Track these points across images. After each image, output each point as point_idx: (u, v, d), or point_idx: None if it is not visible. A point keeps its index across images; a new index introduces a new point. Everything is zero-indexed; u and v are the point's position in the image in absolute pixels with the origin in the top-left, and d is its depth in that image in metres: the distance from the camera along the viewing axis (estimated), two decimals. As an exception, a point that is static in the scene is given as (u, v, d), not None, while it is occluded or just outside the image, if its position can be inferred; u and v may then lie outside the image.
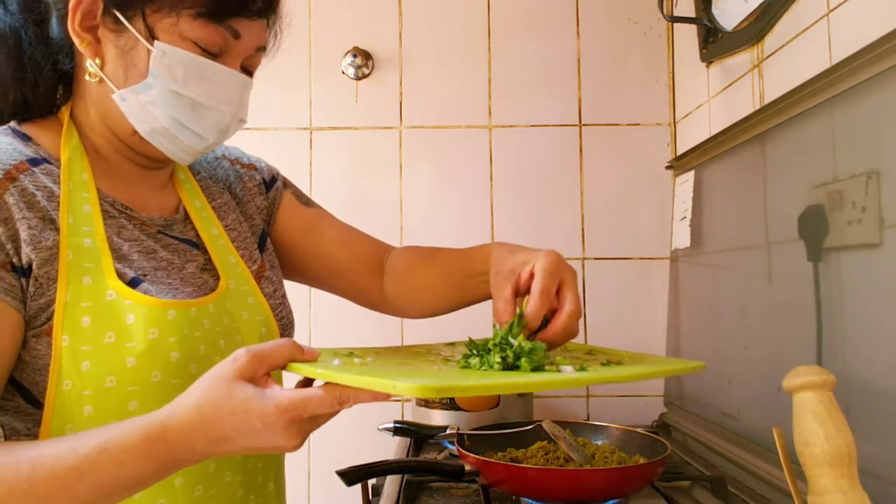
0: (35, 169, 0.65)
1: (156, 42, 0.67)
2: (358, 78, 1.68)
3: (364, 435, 1.62)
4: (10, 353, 0.62)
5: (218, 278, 0.76)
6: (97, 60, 0.69)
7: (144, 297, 0.65)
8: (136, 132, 0.71)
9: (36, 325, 0.63)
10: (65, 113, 0.72)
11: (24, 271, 0.61)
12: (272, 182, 0.92)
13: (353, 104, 1.69)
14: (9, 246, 0.61)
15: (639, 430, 1.14)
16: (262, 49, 0.74)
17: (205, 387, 0.57)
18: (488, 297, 0.85)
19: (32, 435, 0.64)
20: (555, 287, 0.71)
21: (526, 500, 0.97)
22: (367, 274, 0.96)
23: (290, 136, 1.68)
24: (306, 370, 0.60)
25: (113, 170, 0.74)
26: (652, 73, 1.68)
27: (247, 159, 0.93)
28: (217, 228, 0.80)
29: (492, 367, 0.67)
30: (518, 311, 0.74)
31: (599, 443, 1.14)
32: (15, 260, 0.61)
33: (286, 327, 0.83)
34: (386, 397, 0.56)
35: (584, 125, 1.68)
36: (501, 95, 1.69)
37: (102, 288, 0.64)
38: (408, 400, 1.62)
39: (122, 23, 0.67)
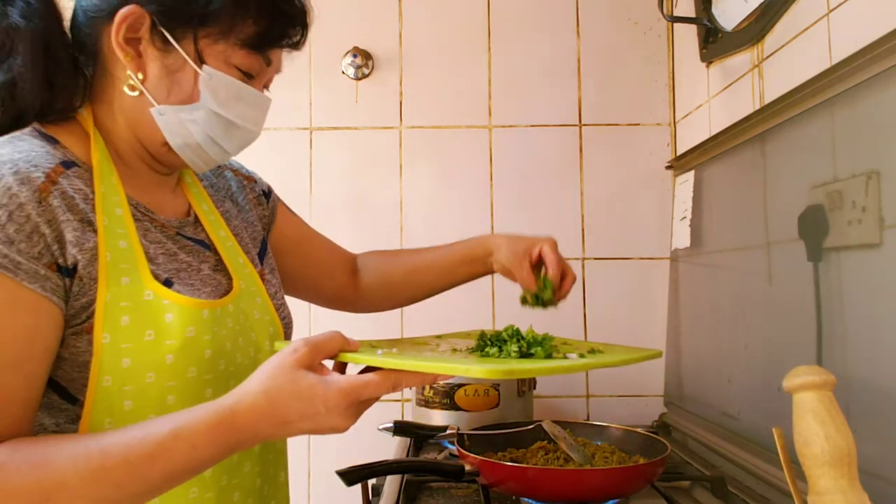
0: (68, 172, 0.66)
1: (204, 66, 0.71)
2: (358, 78, 1.68)
3: (364, 435, 1.62)
4: (54, 348, 0.64)
5: (229, 278, 0.79)
6: (139, 74, 0.71)
7: (181, 297, 0.68)
8: (166, 144, 0.73)
9: (76, 322, 0.64)
10: (87, 117, 0.73)
11: (68, 271, 0.63)
12: (269, 193, 0.99)
13: (353, 104, 1.69)
14: (55, 247, 0.62)
15: (639, 430, 1.14)
16: (278, 71, 0.81)
17: (270, 375, 0.62)
18: (477, 277, 1.07)
19: (61, 430, 0.66)
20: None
21: (526, 500, 0.97)
22: (346, 275, 1.07)
23: (290, 136, 1.68)
24: (357, 358, 0.67)
25: (134, 174, 0.76)
26: (652, 73, 1.68)
27: (246, 171, 0.97)
28: (224, 231, 0.83)
29: (510, 355, 0.75)
30: (542, 276, 1.03)
31: (599, 443, 1.14)
32: (60, 261, 0.63)
33: (288, 326, 0.86)
34: (433, 380, 0.65)
35: (584, 125, 1.68)
36: (501, 95, 1.69)
37: (140, 288, 0.67)
38: (408, 400, 1.62)
39: (170, 43, 0.70)
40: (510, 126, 1.68)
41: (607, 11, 1.69)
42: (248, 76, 0.74)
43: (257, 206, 0.94)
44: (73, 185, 0.66)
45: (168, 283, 0.69)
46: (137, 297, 0.66)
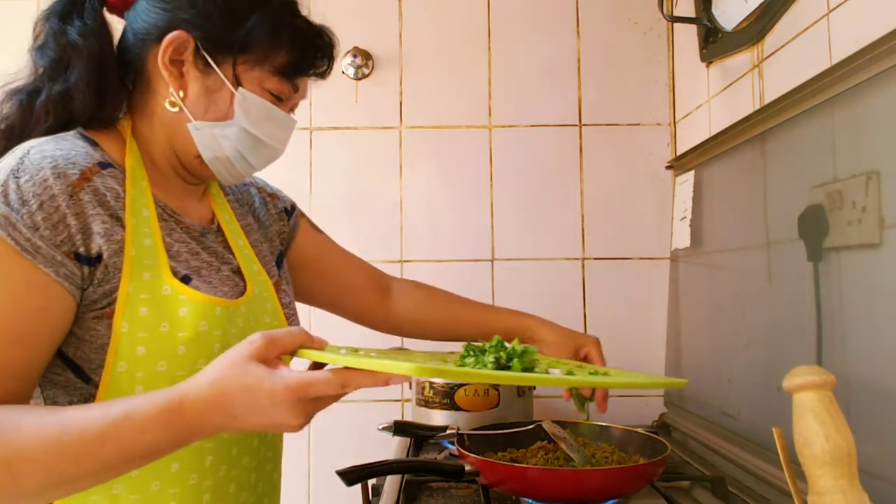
0: (104, 172, 0.72)
1: (240, 88, 0.78)
2: (358, 78, 1.68)
3: (364, 435, 1.63)
4: (61, 332, 0.69)
5: (244, 282, 0.84)
6: (181, 92, 0.78)
7: (196, 294, 0.73)
8: (199, 156, 0.80)
9: (98, 307, 0.69)
10: (126, 126, 0.80)
11: (90, 260, 0.68)
12: (292, 210, 1.03)
13: (353, 104, 1.69)
14: (78, 237, 0.68)
15: (639, 430, 1.14)
16: (304, 98, 0.87)
17: (221, 365, 0.63)
18: None
19: None
20: None
21: (526, 500, 0.97)
22: (373, 294, 1.11)
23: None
24: (315, 355, 0.66)
25: (165, 180, 0.82)
26: (652, 73, 1.68)
27: (270, 189, 1.03)
28: (243, 240, 0.89)
29: (485, 366, 0.74)
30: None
31: (599, 443, 1.14)
32: (82, 250, 0.68)
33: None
34: (385, 382, 0.62)
35: (584, 125, 1.68)
36: (501, 95, 1.69)
37: (159, 284, 0.72)
38: (408, 400, 1.62)
39: (210, 66, 0.77)
40: (510, 126, 1.68)
41: (607, 11, 1.69)
42: (278, 99, 0.81)
43: (278, 221, 1.00)
44: (105, 184, 0.71)
45: (186, 280, 0.74)
46: (156, 291, 0.71)
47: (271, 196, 1.02)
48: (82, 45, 0.76)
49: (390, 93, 1.69)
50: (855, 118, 0.92)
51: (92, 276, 0.69)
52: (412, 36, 1.70)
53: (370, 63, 1.68)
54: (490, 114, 1.69)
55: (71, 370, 0.71)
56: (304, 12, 0.85)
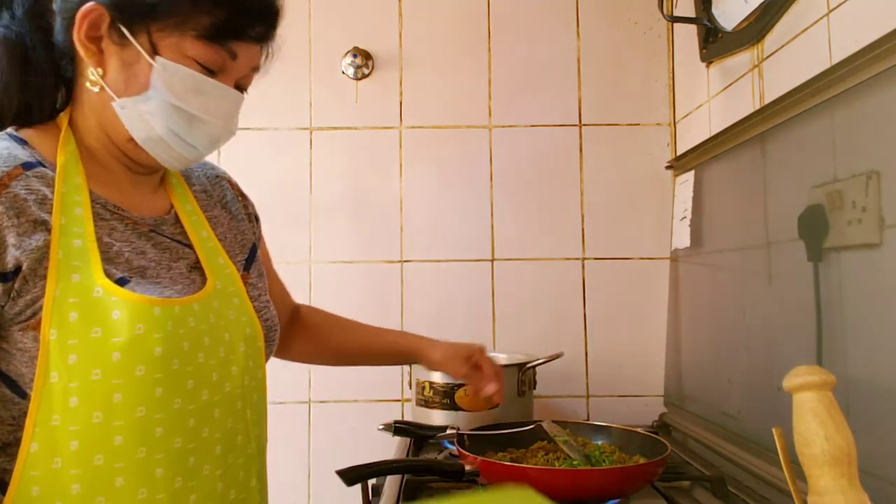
0: (28, 173, 0.68)
1: (157, 57, 0.71)
2: (358, 78, 1.68)
3: (364, 435, 1.63)
4: None
5: (204, 278, 0.79)
6: (99, 70, 0.73)
7: (130, 294, 0.68)
8: (132, 139, 0.74)
9: (22, 319, 0.65)
10: (63, 119, 0.76)
11: (5, 276, 0.64)
12: (258, 220, 0.98)
13: (353, 104, 1.69)
14: None
15: (639, 430, 1.14)
16: (255, 70, 0.79)
17: None
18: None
19: (17, 424, 0.66)
20: None
21: (526, 500, 0.97)
22: (284, 318, 1.05)
23: (290, 136, 1.68)
24: None
25: (107, 173, 0.77)
26: (652, 73, 1.68)
27: (240, 189, 0.98)
28: (207, 232, 0.84)
29: None
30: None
31: (599, 443, 1.14)
32: None
33: (270, 329, 0.85)
34: None
35: (584, 125, 1.68)
36: (501, 95, 1.69)
37: (90, 285, 0.66)
38: (408, 400, 1.62)
39: (126, 37, 0.71)
40: (510, 126, 1.68)
41: (607, 11, 1.69)
42: (209, 70, 0.74)
43: (247, 220, 0.95)
44: (29, 187, 0.67)
45: (122, 282, 0.69)
46: (87, 293, 0.66)
47: (242, 196, 0.97)
48: (5, 36, 0.72)
49: (390, 93, 1.69)
50: (855, 118, 0.92)
51: (9, 291, 0.65)
52: (412, 36, 1.70)
53: (370, 63, 1.68)
54: (490, 114, 1.69)
55: (6, 385, 0.67)
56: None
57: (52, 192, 0.68)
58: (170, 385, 0.69)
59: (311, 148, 1.69)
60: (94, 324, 0.65)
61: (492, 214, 1.67)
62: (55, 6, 0.75)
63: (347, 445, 1.63)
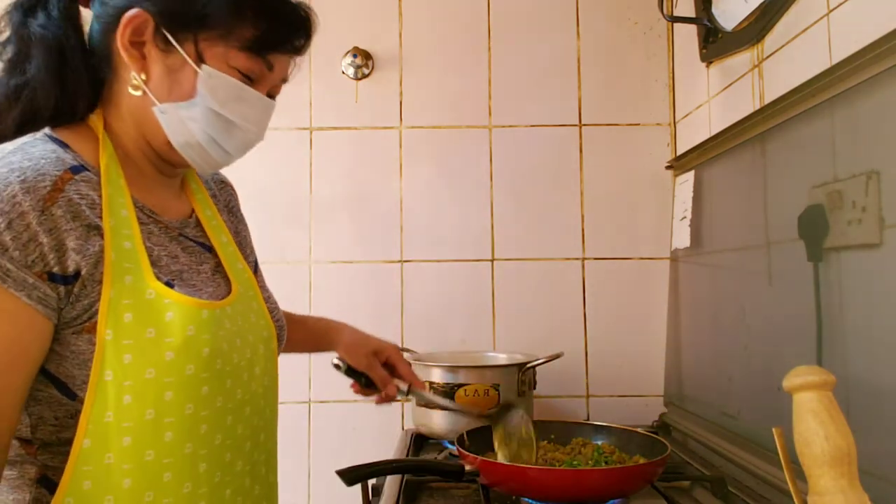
0: (76, 177, 0.68)
1: (203, 65, 0.73)
2: (358, 78, 1.68)
3: (364, 435, 1.63)
4: (37, 358, 0.66)
5: (227, 281, 0.81)
6: (142, 75, 0.74)
7: (181, 296, 0.70)
8: (169, 142, 0.76)
9: (78, 323, 0.67)
10: (97, 121, 0.76)
11: (65, 279, 0.65)
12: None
13: (353, 104, 1.69)
14: (51, 256, 0.64)
15: (639, 430, 1.14)
16: (285, 80, 0.83)
17: None
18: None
19: (61, 424, 0.68)
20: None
21: (526, 500, 0.97)
22: None
23: (290, 135, 1.68)
24: None
25: (141, 177, 0.78)
26: (652, 73, 1.68)
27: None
28: (226, 236, 0.86)
29: None
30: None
31: (599, 443, 1.14)
32: (56, 269, 0.65)
33: (281, 329, 0.88)
34: None
35: (584, 125, 1.68)
36: (501, 95, 1.69)
37: (143, 287, 0.69)
38: (408, 400, 1.62)
39: (171, 44, 0.73)
40: (510, 126, 1.68)
41: (607, 11, 1.69)
42: (248, 79, 0.77)
43: (246, 227, 0.99)
44: (80, 192, 0.68)
45: (168, 285, 0.71)
46: (140, 295, 0.68)
47: (237, 202, 1.00)
48: (41, 35, 0.73)
49: (390, 93, 1.69)
50: (855, 118, 0.92)
51: (69, 295, 0.66)
52: (412, 36, 1.70)
53: (370, 63, 1.68)
54: (490, 114, 1.69)
55: (55, 387, 0.68)
56: None
57: (99, 196, 0.70)
58: (214, 384, 0.72)
59: (311, 148, 1.69)
60: (148, 325, 0.67)
61: (492, 214, 1.67)
62: (93, 9, 0.76)
63: (347, 445, 1.63)
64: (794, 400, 0.65)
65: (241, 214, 0.98)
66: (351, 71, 1.67)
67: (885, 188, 0.84)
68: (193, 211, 0.85)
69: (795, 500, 0.66)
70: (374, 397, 1.13)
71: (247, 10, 0.74)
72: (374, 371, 1.09)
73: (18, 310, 0.63)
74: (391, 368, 1.11)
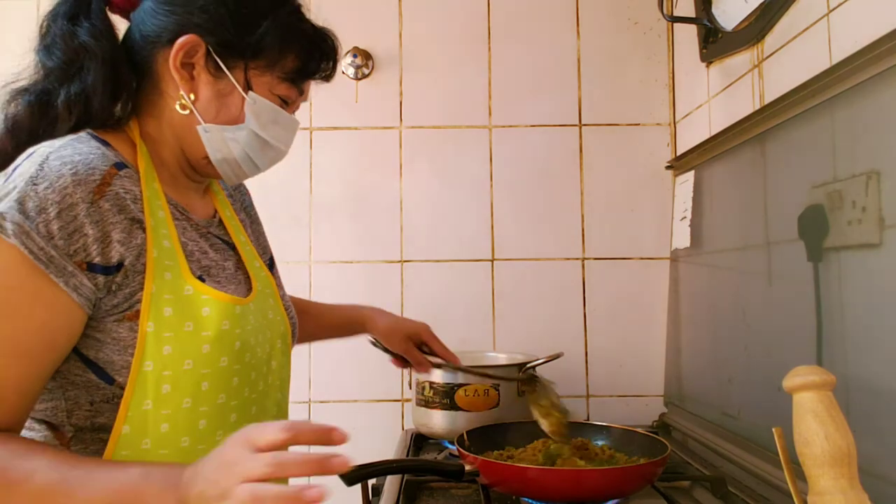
0: (121, 173, 0.72)
1: (250, 92, 0.79)
2: (358, 78, 1.68)
3: (364, 435, 1.63)
4: (64, 346, 0.68)
5: (247, 278, 0.85)
6: (191, 95, 0.78)
7: (217, 293, 0.75)
8: (207, 157, 0.81)
9: (119, 311, 0.70)
10: (133, 128, 0.80)
11: (106, 269, 0.68)
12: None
13: (353, 104, 1.69)
14: (94, 247, 0.67)
15: (639, 430, 1.14)
16: (305, 99, 0.89)
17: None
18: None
19: (95, 409, 0.71)
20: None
21: (526, 500, 0.97)
22: None
23: (290, 136, 1.68)
24: None
25: (174, 178, 0.83)
26: (652, 73, 1.68)
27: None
28: (244, 236, 0.91)
29: None
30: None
31: (599, 443, 1.14)
32: (98, 259, 0.68)
33: (294, 326, 0.94)
34: (335, 440, 0.67)
35: (584, 125, 1.68)
36: (501, 95, 1.69)
37: (181, 284, 0.73)
38: (408, 400, 1.62)
39: (222, 70, 0.78)
40: (510, 126, 1.68)
41: (607, 11, 1.69)
42: (284, 102, 0.83)
43: (261, 225, 1.04)
44: (124, 187, 0.71)
45: (200, 279, 0.76)
46: (179, 291, 0.72)
47: (251, 200, 1.05)
48: (94, 46, 0.75)
49: (390, 93, 1.69)
50: (855, 118, 0.92)
51: (109, 285, 0.69)
52: (412, 36, 1.70)
53: (370, 63, 1.68)
54: (490, 114, 1.69)
55: (93, 372, 0.70)
56: (307, 14, 0.85)
57: (141, 193, 0.73)
58: (242, 375, 0.77)
59: (311, 148, 1.69)
60: (186, 318, 0.72)
61: (492, 214, 1.67)
62: (142, 27, 0.79)
63: (347, 445, 1.63)
64: (794, 400, 0.65)
65: (256, 213, 1.03)
66: (351, 71, 1.67)
67: (885, 188, 0.84)
68: (216, 211, 0.89)
69: (795, 500, 0.66)
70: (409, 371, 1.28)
71: (295, 42, 0.81)
72: (410, 354, 1.18)
73: (56, 296, 0.66)
74: (426, 347, 1.19)
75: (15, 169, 0.68)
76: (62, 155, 0.68)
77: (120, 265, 0.69)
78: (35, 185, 0.65)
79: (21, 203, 0.64)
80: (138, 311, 0.69)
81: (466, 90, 1.69)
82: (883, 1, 0.86)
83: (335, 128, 1.69)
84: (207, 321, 0.73)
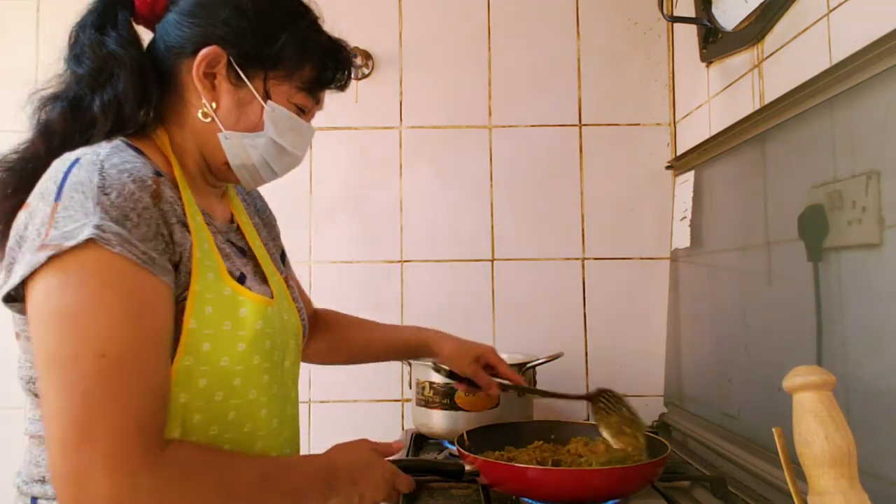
0: (161, 179, 0.74)
1: (269, 101, 0.82)
2: (358, 78, 1.68)
3: (364, 435, 1.62)
4: (171, 326, 0.71)
5: (265, 281, 0.88)
6: (213, 104, 0.81)
7: (254, 295, 0.79)
8: (227, 163, 0.84)
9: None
10: (161, 136, 0.82)
11: (176, 267, 0.72)
12: (275, 224, 1.09)
13: (353, 104, 1.69)
14: (169, 245, 0.71)
15: (639, 430, 1.14)
16: (320, 109, 0.92)
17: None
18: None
19: None
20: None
21: (526, 500, 0.97)
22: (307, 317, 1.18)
23: (290, 136, 1.68)
24: None
25: (198, 185, 0.85)
26: (652, 73, 1.68)
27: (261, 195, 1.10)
28: (258, 241, 0.93)
29: None
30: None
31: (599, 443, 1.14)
32: (169, 258, 0.71)
33: (306, 328, 0.97)
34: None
35: (584, 125, 1.68)
36: (501, 95, 1.69)
37: (221, 285, 0.76)
38: (408, 400, 1.62)
39: (242, 80, 0.81)
40: (510, 126, 1.68)
41: (607, 11, 1.69)
42: (301, 110, 0.86)
43: (275, 225, 1.07)
44: (168, 193, 0.73)
45: (240, 281, 0.79)
46: (219, 291, 0.75)
47: (264, 202, 1.08)
48: (123, 55, 0.78)
49: (390, 93, 1.69)
50: (855, 118, 0.92)
51: (175, 281, 0.72)
52: (412, 36, 1.70)
53: (370, 63, 1.68)
54: (490, 114, 1.69)
55: None
56: (322, 24, 0.88)
57: (180, 198, 0.76)
58: (271, 373, 0.81)
59: (311, 148, 1.68)
60: (225, 318, 0.75)
61: (492, 214, 1.67)
62: (167, 38, 0.82)
63: (347, 445, 1.63)
64: (794, 400, 0.65)
65: (269, 215, 1.06)
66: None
67: (885, 188, 0.84)
68: (232, 216, 0.92)
69: (795, 500, 0.66)
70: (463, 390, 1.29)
71: (312, 53, 0.84)
72: (479, 377, 1.17)
73: (168, 294, 0.70)
74: (492, 369, 1.18)
75: (65, 177, 0.68)
76: (115, 163, 0.69)
77: (177, 265, 0.72)
78: (106, 194, 0.66)
79: (105, 212, 0.65)
80: (184, 308, 0.72)
81: (466, 90, 1.69)
82: (883, 1, 0.86)
83: (335, 128, 1.69)
84: (244, 321, 0.76)
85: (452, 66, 1.69)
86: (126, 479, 0.60)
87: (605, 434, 1.11)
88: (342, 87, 0.90)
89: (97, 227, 0.64)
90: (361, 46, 1.67)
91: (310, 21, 0.85)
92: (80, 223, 0.64)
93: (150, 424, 0.64)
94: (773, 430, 0.66)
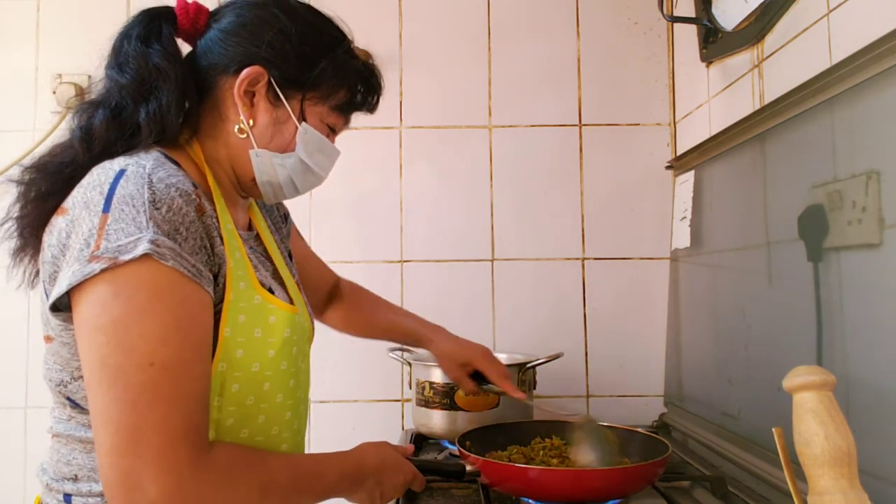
0: (199, 191, 0.75)
1: (303, 122, 0.85)
2: (358, 78, 1.68)
3: (364, 435, 1.62)
4: (212, 334, 0.73)
5: (282, 286, 0.89)
6: (251, 121, 0.83)
7: (282, 304, 0.82)
8: (254, 179, 0.86)
9: None
10: (195, 147, 0.84)
11: (216, 277, 0.74)
12: (287, 216, 1.11)
13: (353, 104, 1.69)
14: (210, 258, 0.73)
15: (639, 430, 1.14)
16: (348, 128, 0.95)
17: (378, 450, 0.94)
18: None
19: None
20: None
21: (526, 500, 0.97)
22: (323, 293, 1.24)
23: (290, 136, 1.68)
24: None
25: (228, 195, 0.87)
26: (652, 73, 1.68)
27: None
28: (274, 247, 0.95)
29: None
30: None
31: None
32: (212, 267, 0.74)
33: (314, 330, 0.99)
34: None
35: (584, 125, 1.68)
36: (501, 95, 1.69)
37: (252, 294, 0.79)
38: (408, 400, 1.62)
39: (281, 100, 0.83)
40: (510, 126, 1.68)
41: (607, 12, 1.69)
42: (332, 131, 0.89)
43: (283, 225, 1.08)
44: (207, 206, 0.75)
45: (270, 291, 0.82)
46: (250, 300, 0.78)
47: (284, 208, 1.10)
48: (168, 68, 0.79)
49: (390, 93, 1.69)
50: (855, 118, 0.92)
51: (213, 291, 0.74)
52: (412, 35, 1.70)
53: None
54: (490, 114, 1.69)
55: None
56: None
57: (215, 210, 0.78)
58: (296, 377, 0.85)
59: (311, 148, 1.68)
60: (256, 325, 0.78)
61: (492, 214, 1.67)
62: (209, 54, 0.83)
63: (347, 445, 1.63)
64: (794, 400, 0.65)
65: (284, 211, 1.09)
66: (351, 71, 1.67)
67: (885, 188, 0.84)
68: (251, 223, 0.94)
69: (795, 500, 0.66)
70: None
71: (348, 77, 0.87)
72: (463, 384, 1.21)
73: (211, 303, 0.72)
74: (483, 374, 1.19)
75: (112, 188, 0.69)
76: (161, 177, 0.70)
77: (216, 275, 0.74)
78: (157, 208, 0.68)
79: (157, 226, 0.67)
80: (220, 317, 0.74)
81: (466, 90, 1.69)
82: (883, 1, 0.86)
83: (335, 128, 1.69)
84: (273, 328, 0.79)
85: (452, 66, 1.69)
86: (174, 482, 0.63)
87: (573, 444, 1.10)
88: (372, 109, 0.94)
89: (152, 241, 0.66)
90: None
91: (347, 48, 0.89)
92: (135, 237, 0.65)
93: (196, 429, 0.67)
94: (773, 430, 0.66)
